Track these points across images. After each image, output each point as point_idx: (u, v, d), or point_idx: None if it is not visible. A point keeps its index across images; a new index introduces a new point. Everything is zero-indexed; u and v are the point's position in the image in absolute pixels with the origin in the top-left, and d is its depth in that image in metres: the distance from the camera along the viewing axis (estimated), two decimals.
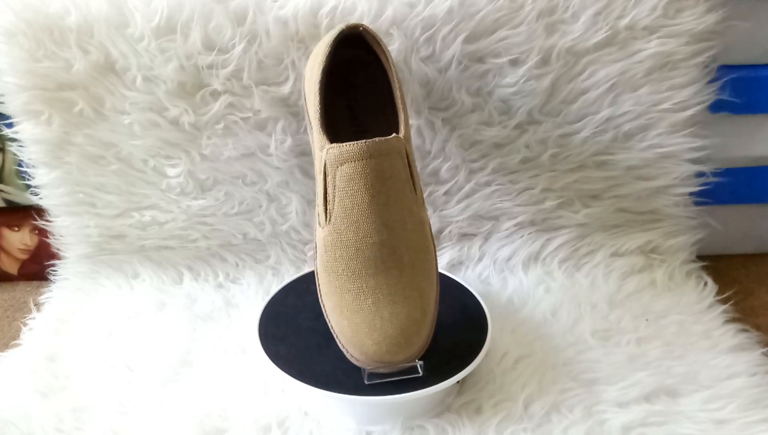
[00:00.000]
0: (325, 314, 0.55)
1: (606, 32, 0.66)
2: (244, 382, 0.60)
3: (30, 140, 0.69)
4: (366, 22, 0.64)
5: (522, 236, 0.75)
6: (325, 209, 0.52)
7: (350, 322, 0.52)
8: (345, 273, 0.52)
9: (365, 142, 0.50)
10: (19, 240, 0.82)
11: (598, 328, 0.65)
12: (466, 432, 0.55)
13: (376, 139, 0.50)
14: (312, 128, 0.56)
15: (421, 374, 0.53)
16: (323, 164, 0.52)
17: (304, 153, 0.70)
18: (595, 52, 0.67)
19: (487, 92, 0.68)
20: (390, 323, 0.51)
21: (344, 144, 0.50)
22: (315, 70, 0.56)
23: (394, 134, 0.52)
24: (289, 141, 0.69)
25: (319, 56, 0.56)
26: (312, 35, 0.65)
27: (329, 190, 0.52)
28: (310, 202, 0.73)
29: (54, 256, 0.78)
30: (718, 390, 0.57)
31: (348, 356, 0.53)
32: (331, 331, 0.54)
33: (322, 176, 0.52)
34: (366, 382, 0.53)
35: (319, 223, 0.54)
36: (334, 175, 0.51)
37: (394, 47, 0.65)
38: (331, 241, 0.52)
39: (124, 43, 0.64)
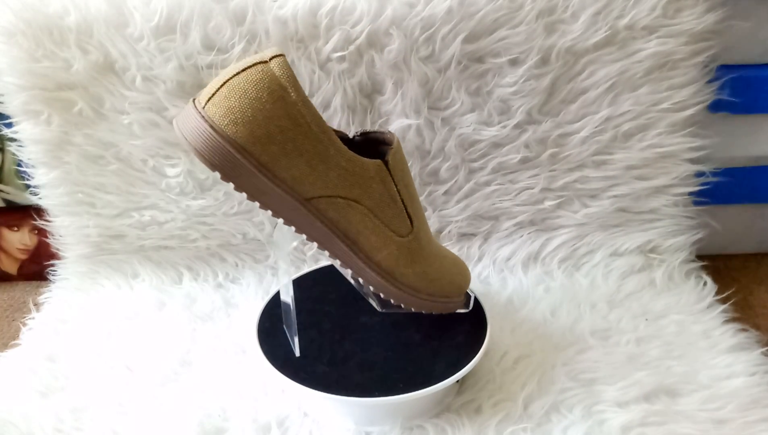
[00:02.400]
0: (434, 303, 0.56)
1: (605, 32, 0.66)
2: (244, 382, 0.60)
3: (29, 140, 0.69)
4: (365, 22, 0.64)
5: (521, 236, 0.75)
6: (408, 215, 0.52)
7: (462, 274, 0.58)
8: (438, 250, 0.56)
9: (395, 136, 0.51)
10: (19, 240, 0.82)
11: (598, 327, 0.65)
12: (465, 432, 0.55)
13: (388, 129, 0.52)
14: (334, 162, 0.48)
15: None
16: (388, 175, 0.50)
17: None
18: (595, 51, 0.67)
19: (487, 92, 0.68)
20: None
21: (394, 146, 0.50)
22: (302, 111, 0.46)
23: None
24: None
25: (284, 90, 0.45)
26: (311, 35, 0.65)
27: (404, 194, 0.52)
28: None
29: (53, 256, 0.78)
30: (718, 390, 0.57)
31: (459, 303, 0.59)
32: (446, 307, 0.57)
33: (393, 188, 0.51)
34: (471, 307, 0.60)
35: (401, 236, 0.52)
36: (402, 176, 0.51)
37: (393, 47, 0.65)
38: (423, 236, 0.54)
39: (124, 42, 0.64)
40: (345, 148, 0.48)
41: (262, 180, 0.47)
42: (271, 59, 0.45)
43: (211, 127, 0.44)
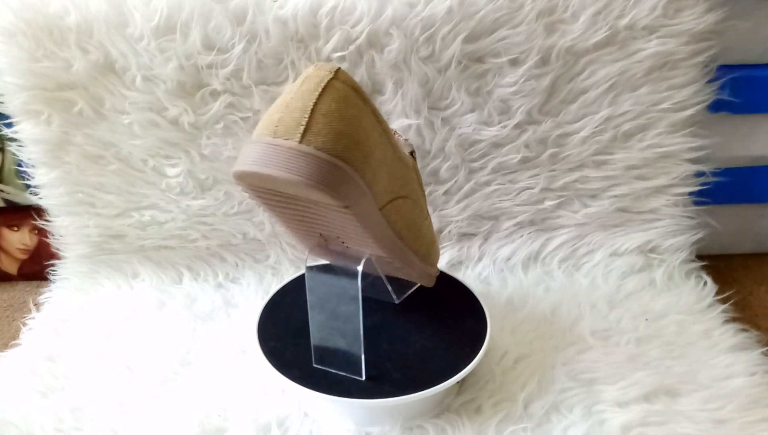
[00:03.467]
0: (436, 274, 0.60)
1: (606, 32, 0.66)
2: (244, 382, 0.60)
3: (29, 140, 0.69)
4: (366, 22, 0.64)
5: (522, 236, 0.75)
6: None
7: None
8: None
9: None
10: (19, 240, 0.82)
11: (598, 327, 0.65)
12: (465, 432, 0.55)
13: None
14: (398, 164, 0.49)
15: None
16: (416, 164, 0.53)
17: None
18: (595, 51, 0.67)
19: (487, 92, 0.68)
20: None
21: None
22: (379, 120, 0.46)
23: None
24: None
25: (363, 102, 0.45)
26: (311, 35, 0.65)
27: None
28: None
29: (53, 255, 0.78)
30: (718, 390, 0.57)
31: (435, 269, 0.60)
32: (436, 270, 0.60)
33: (420, 176, 0.54)
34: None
35: (426, 219, 0.56)
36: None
37: (393, 47, 0.65)
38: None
39: (124, 42, 0.64)
40: (398, 146, 0.48)
41: (369, 198, 0.45)
42: (336, 73, 0.43)
43: (330, 158, 0.41)
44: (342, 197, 0.42)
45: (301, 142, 0.41)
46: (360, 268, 0.50)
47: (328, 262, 0.52)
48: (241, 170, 0.43)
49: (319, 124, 0.42)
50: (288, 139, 0.41)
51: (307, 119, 0.42)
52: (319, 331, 0.54)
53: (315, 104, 0.42)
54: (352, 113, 0.43)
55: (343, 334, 0.53)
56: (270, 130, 0.42)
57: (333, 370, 0.54)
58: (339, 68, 0.43)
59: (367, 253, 0.51)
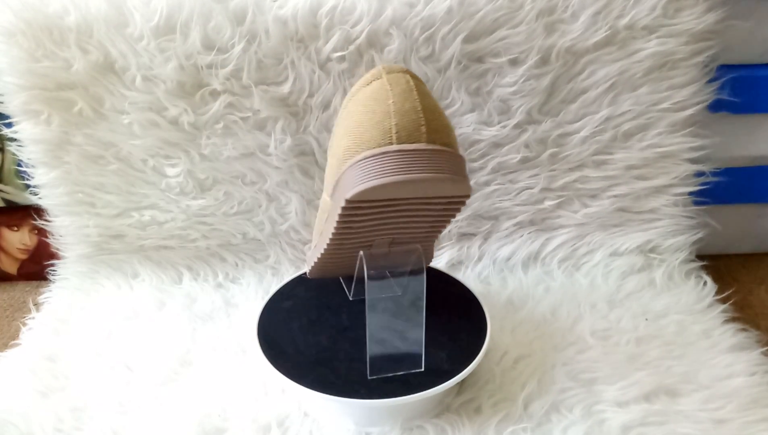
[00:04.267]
0: None
1: (605, 32, 0.66)
2: (244, 382, 0.60)
3: (29, 140, 0.69)
4: (365, 21, 0.64)
5: (521, 236, 0.75)
6: None
7: None
8: None
9: None
10: (19, 240, 0.82)
11: (598, 327, 0.65)
12: (465, 432, 0.55)
13: None
14: None
15: None
16: None
17: (303, 153, 0.70)
18: (595, 51, 0.67)
19: (487, 92, 0.68)
20: None
21: None
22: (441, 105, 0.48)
23: None
24: (288, 140, 0.69)
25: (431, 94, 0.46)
26: (311, 35, 0.65)
27: None
28: (310, 202, 0.73)
29: (53, 255, 0.78)
30: (718, 389, 0.57)
31: None
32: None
33: None
34: None
35: None
36: None
37: (393, 47, 0.65)
38: None
39: (124, 42, 0.64)
40: None
41: None
42: (408, 72, 0.43)
43: (455, 151, 0.42)
44: (470, 187, 0.44)
45: (428, 142, 0.41)
46: (424, 263, 0.51)
47: (382, 271, 0.51)
48: (379, 184, 0.41)
49: (434, 122, 0.42)
50: (414, 142, 0.41)
51: (423, 119, 0.41)
52: (377, 340, 0.53)
53: (422, 104, 0.42)
54: (440, 106, 0.43)
55: (404, 333, 0.53)
56: (387, 138, 0.41)
57: (390, 374, 0.54)
58: (405, 67, 0.43)
59: (418, 248, 0.50)
